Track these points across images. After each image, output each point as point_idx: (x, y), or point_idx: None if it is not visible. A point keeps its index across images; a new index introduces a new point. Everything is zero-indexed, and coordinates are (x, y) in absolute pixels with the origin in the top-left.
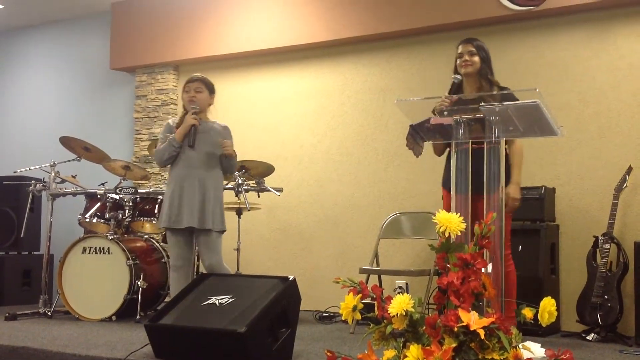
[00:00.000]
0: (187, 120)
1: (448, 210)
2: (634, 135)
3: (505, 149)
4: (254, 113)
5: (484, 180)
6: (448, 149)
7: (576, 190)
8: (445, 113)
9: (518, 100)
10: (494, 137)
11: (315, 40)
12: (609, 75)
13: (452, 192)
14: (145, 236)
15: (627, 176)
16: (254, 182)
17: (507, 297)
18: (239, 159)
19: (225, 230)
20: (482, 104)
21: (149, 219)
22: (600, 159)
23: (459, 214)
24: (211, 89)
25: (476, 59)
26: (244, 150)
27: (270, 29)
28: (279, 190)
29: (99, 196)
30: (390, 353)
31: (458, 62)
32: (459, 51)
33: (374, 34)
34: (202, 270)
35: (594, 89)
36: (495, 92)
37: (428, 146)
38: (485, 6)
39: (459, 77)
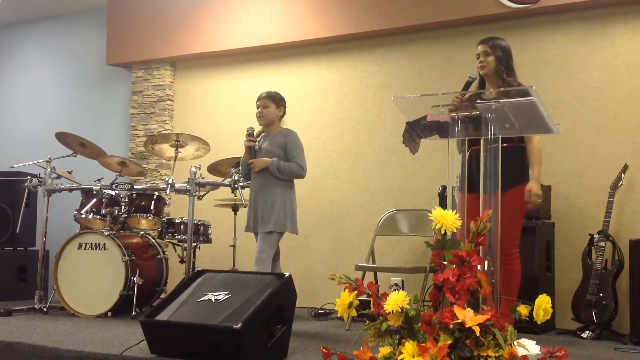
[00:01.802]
0: (244, 143)
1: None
2: (629, 133)
3: (518, 147)
4: (250, 110)
5: (482, 179)
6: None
7: (572, 188)
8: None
9: (532, 97)
10: (490, 135)
11: (312, 37)
12: (605, 73)
13: (481, 192)
14: (141, 232)
15: (622, 174)
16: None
17: (508, 295)
18: (234, 155)
19: (283, 231)
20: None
21: (145, 215)
22: (596, 157)
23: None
24: (279, 102)
25: (490, 59)
26: (240, 147)
27: (267, 25)
28: None
29: (94, 192)
30: (385, 350)
31: (477, 62)
32: (477, 51)
33: (371, 30)
34: (198, 266)
35: (591, 87)
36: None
37: (424, 143)
38: (483, 4)
39: (473, 75)
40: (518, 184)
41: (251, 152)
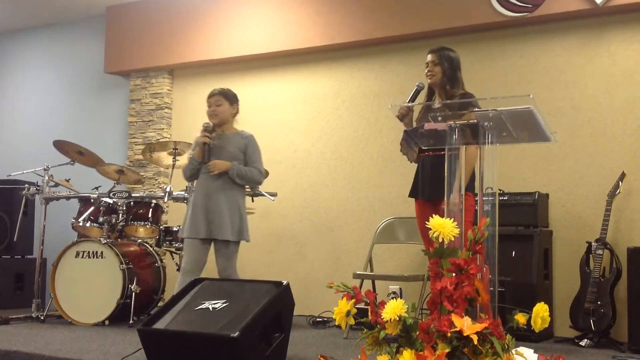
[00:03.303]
0: (198, 140)
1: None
2: (626, 141)
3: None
4: (248, 117)
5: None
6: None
7: (569, 196)
8: (405, 120)
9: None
10: (488, 143)
11: (309, 45)
12: (602, 81)
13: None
14: (139, 240)
15: (620, 182)
16: (248, 186)
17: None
18: None
19: (239, 240)
20: (435, 114)
21: (142, 223)
22: (594, 165)
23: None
24: (232, 100)
25: (437, 69)
26: None
27: (264, 33)
28: (273, 194)
29: (92, 200)
30: (383, 358)
31: (425, 70)
32: (426, 60)
33: (369, 39)
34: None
35: (587, 95)
36: (444, 102)
37: None
38: (480, 12)
39: (421, 84)
40: None
41: (205, 150)
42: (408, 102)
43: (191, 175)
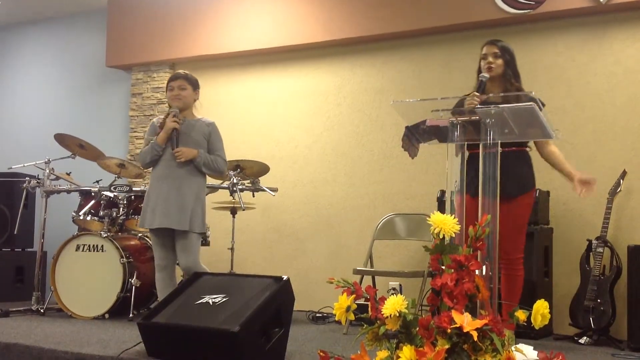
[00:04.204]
0: (167, 124)
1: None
2: (628, 139)
3: (526, 151)
4: (249, 113)
5: (481, 183)
6: (468, 152)
7: (570, 194)
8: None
9: (544, 104)
10: (490, 140)
11: (311, 40)
12: (604, 79)
13: (480, 196)
14: (139, 234)
15: (621, 180)
16: (248, 181)
17: (511, 300)
18: (233, 158)
19: (204, 232)
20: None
21: None
22: (595, 163)
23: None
24: (195, 85)
25: (500, 61)
26: (239, 149)
27: (266, 28)
28: (274, 190)
29: (93, 194)
30: (383, 354)
31: (482, 63)
32: (483, 52)
33: (371, 35)
34: None
35: (590, 93)
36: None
37: (423, 148)
38: (482, 9)
39: (486, 75)
40: (529, 190)
41: (173, 135)
42: (478, 93)
43: (151, 161)
